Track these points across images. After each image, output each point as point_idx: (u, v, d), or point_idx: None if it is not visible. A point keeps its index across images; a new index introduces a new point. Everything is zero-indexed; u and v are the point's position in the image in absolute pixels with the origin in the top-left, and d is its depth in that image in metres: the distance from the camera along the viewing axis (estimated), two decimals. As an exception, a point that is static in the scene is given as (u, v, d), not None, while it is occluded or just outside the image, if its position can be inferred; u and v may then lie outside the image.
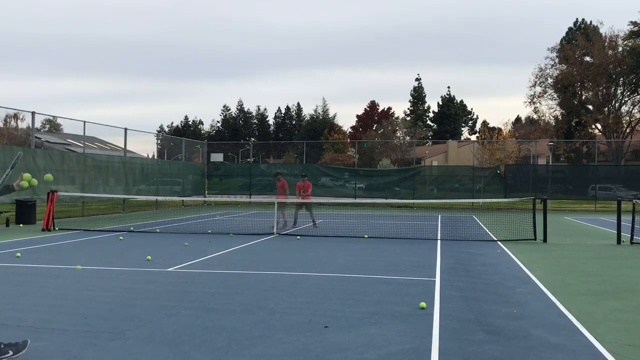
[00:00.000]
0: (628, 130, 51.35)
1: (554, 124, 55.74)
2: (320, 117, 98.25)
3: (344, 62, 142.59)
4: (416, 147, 54.16)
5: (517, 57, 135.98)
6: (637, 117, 51.81)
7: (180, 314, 6.64)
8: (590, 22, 58.36)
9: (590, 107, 52.30)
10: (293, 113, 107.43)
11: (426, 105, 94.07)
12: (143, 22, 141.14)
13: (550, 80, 53.67)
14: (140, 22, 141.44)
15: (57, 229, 16.68)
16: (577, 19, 60.96)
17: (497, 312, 6.91)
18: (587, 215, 27.16)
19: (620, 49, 49.69)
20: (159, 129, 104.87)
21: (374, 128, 76.40)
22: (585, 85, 51.71)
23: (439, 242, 14.65)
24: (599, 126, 52.49)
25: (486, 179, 32.95)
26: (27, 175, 5.19)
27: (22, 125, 48.94)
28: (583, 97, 53.92)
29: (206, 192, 34.94)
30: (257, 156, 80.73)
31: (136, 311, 6.77)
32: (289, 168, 40.96)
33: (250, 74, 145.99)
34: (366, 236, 15.61)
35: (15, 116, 48.84)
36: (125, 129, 26.50)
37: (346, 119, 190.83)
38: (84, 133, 24.33)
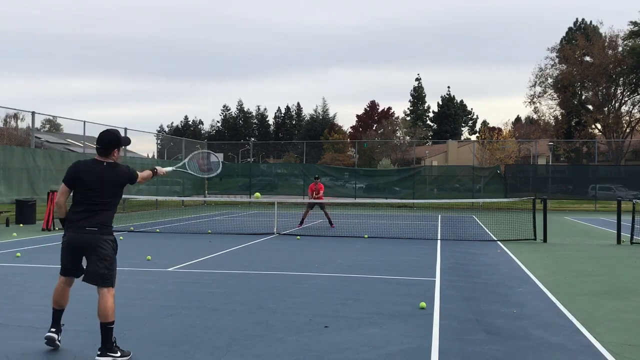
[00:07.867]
0: (628, 130, 51.33)
1: (554, 124, 55.72)
2: (320, 117, 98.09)
3: (344, 62, 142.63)
4: (416, 147, 54.09)
5: (517, 57, 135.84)
6: (637, 117, 51.81)
7: (180, 314, 6.64)
8: (590, 22, 58.32)
9: (590, 107, 52.28)
10: (293, 113, 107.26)
11: (426, 105, 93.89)
12: (143, 22, 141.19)
13: (550, 80, 53.70)
14: (140, 22, 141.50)
15: (57, 228, 16.66)
16: (577, 19, 60.94)
17: (497, 312, 6.91)
18: (587, 215, 27.16)
19: (620, 49, 49.69)
20: (159, 129, 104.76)
21: (374, 128, 76.27)
22: (585, 85, 51.70)
23: (439, 242, 14.65)
24: (599, 126, 52.47)
25: (486, 179, 32.94)
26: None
27: (22, 125, 48.90)
28: (583, 97, 53.91)
29: (206, 192, 34.93)
30: (257, 156, 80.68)
31: (136, 311, 6.77)
32: (289, 168, 40.99)
33: (250, 74, 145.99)
34: (366, 236, 15.61)
35: (15, 116, 48.81)
36: (125, 129, 26.49)
37: (346, 119, 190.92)
38: (84, 133, 24.34)
